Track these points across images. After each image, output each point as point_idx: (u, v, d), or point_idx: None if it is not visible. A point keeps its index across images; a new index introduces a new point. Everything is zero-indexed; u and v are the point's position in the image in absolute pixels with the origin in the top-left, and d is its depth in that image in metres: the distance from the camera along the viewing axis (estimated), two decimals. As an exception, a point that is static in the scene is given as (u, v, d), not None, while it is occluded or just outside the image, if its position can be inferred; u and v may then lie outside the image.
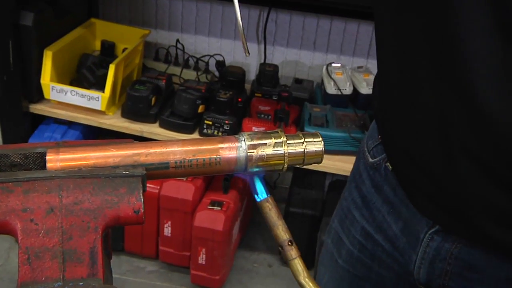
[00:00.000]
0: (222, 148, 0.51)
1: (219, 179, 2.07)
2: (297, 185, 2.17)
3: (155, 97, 1.96)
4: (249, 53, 0.51)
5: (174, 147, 0.50)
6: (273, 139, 0.52)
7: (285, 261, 0.52)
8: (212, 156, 0.50)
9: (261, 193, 0.53)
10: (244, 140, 0.52)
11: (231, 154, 0.51)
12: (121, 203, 0.45)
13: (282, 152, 0.52)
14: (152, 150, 0.49)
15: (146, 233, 2.08)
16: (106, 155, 0.48)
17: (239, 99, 2.02)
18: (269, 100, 2.05)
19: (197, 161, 0.50)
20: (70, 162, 0.48)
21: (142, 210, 0.45)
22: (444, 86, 0.63)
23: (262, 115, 1.99)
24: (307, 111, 1.93)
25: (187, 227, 2.00)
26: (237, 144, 0.51)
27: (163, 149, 0.50)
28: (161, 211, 2.01)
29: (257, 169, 0.52)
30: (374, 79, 0.83)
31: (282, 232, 0.53)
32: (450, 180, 0.67)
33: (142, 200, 0.46)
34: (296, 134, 0.54)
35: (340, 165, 1.85)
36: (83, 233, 0.44)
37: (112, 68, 1.88)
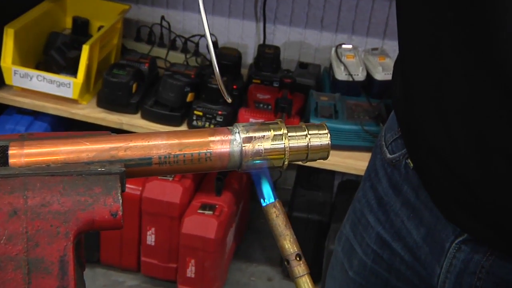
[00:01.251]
0: (213, 141, 0.51)
1: (211, 179, 2.08)
2: (302, 185, 2.18)
3: (136, 83, 1.96)
4: (231, 100, 0.52)
5: (158, 140, 0.50)
6: (272, 131, 0.53)
7: (291, 278, 0.52)
8: (201, 151, 0.51)
9: (268, 197, 0.54)
10: (239, 133, 0.52)
11: (224, 148, 0.51)
12: (96, 205, 0.46)
13: (282, 146, 0.53)
14: (132, 144, 0.50)
15: (125, 242, 2.09)
16: (79, 149, 0.49)
17: (234, 86, 2.02)
18: (269, 88, 2.06)
19: (184, 156, 0.50)
20: (36, 158, 0.48)
21: (120, 213, 0.46)
22: (478, 74, 0.62)
23: (261, 105, 1.99)
24: (313, 100, 1.94)
25: (174, 234, 2.00)
26: (230, 137, 0.52)
27: (145, 143, 0.50)
28: (143, 216, 2.01)
29: (253, 164, 0.52)
30: (395, 63, 0.84)
31: (289, 244, 0.53)
32: (483, 183, 0.67)
33: (121, 201, 0.46)
34: (298, 125, 0.54)
35: (351, 162, 1.86)
36: (51, 240, 0.44)
37: (85, 50, 1.88)
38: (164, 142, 0.50)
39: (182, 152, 0.50)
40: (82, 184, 0.46)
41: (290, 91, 1.99)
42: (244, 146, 0.52)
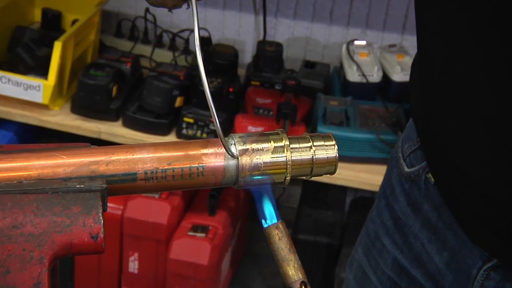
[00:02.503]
0: (206, 154, 0.53)
1: (203, 196, 2.09)
2: (308, 204, 2.20)
3: (117, 86, 1.98)
4: (231, 155, 0.54)
5: (144, 153, 0.52)
6: (272, 142, 0.55)
7: None
8: (193, 165, 0.52)
9: (270, 217, 0.55)
10: (235, 144, 0.54)
11: (218, 162, 0.53)
12: (74, 226, 0.47)
13: (284, 159, 0.54)
14: (114, 157, 0.51)
15: (104, 269, 2.10)
16: (55, 164, 0.50)
17: (230, 89, 2.04)
18: (270, 91, 2.07)
19: (173, 171, 0.52)
20: (6, 173, 0.50)
21: (101, 235, 0.47)
22: (508, 81, 0.64)
23: (261, 111, 2.01)
24: (321, 105, 1.95)
25: (160, 260, 2.01)
26: (225, 150, 0.53)
27: (129, 156, 0.52)
28: (125, 240, 2.02)
29: (251, 180, 0.54)
30: (413, 63, 0.85)
31: (294, 270, 0.54)
32: None
33: (102, 221, 0.48)
34: (301, 136, 0.56)
35: (366, 177, 1.87)
36: (24, 266, 0.46)
37: (57, 47, 1.90)
38: (150, 155, 0.52)
39: (171, 167, 0.52)
40: (59, 202, 0.48)
41: (294, 94, 2.00)
42: (240, 160, 0.53)
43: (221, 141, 0.52)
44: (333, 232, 2.11)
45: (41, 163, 0.50)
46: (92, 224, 0.48)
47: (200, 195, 2.13)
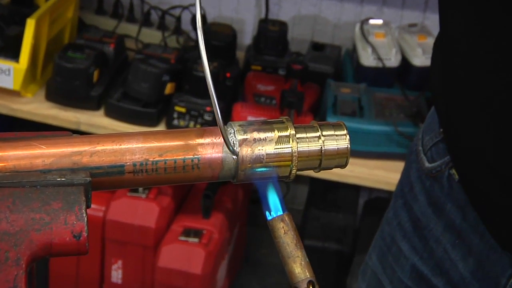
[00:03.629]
0: (201, 144, 0.54)
1: (197, 196, 2.10)
2: (316, 205, 2.20)
3: (98, 70, 1.98)
4: (231, 147, 0.55)
5: (133, 143, 0.53)
6: (276, 131, 0.55)
7: None
8: (187, 156, 0.53)
9: (275, 208, 0.56)
10: (234, 133, 0.55)
11: (215, 153, 0.54)
12: (54, 224, 0.48)
13: (289, 150, 0.55)
14: (99, 147, 0.52)
15: (82, 279, 2.10)
16: (33, 154, 0.51)
17: (228, 74, 2.04)
18: (273, 76, 2.08)
19: (165, 163, 0.53)
20: (-21, 165, 0.50)
21: (85, 234, 0.48)
22: None
23: (262, 99, 2.02)
24: (331, 93, 1.96)
25: (147, 269, 2.02)
26: (223, 140, 0.54)
27: (116, 146, 0.52)
28: (107, 245, 2.04)
29: (252, 173, 0.54)
30: (434, 44, 0.86)
31: (300, 268, 0.55)
32: None
33: (85, 219, 0.49)
34: (309, 124, 0.57)
35: (381, 174, 1.88)
36: (-2, 267, 0.47)
37: (30, 25, 1.90)
38: (140, 145, 0.53)
39: (162, 158, 0.53)
40: (37, 197, 0.49)
41: (300, 80, 2.00)
42: (240, 151, 0.54)
43: (220, 130, 0.53)
44: (344, 238, 2.12)
45: (17, 154, 0.51)
46: (75, 222, 0.49)
47: (193, 194, 2.14)
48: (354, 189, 2.24)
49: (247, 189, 2.31)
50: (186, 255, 1.96)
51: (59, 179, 0.50)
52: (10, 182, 0.49)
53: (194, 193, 2.14)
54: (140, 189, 2.01)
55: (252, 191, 2.40)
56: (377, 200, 2.29)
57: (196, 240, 1.98)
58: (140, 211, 2.00)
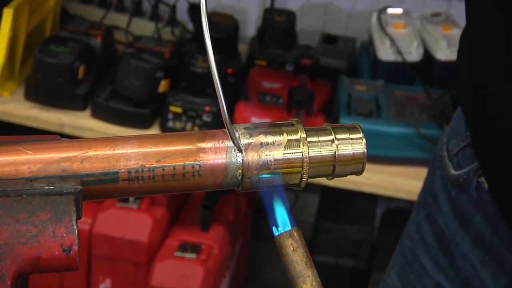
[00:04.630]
0: (203, 149, 0.55)
1: (194, 206, 2.10)
2: (328, 216, 2.21)
3: (84, 65, 1.99)
4: (237, 148, 0.56)
5: (127, 148, 0.54)
6: (285, 135, 0.56)
7: None
8: (187, 163, 0.54)
9: (282, 223, 0.57)
10: (239, 137, 0.56)
11: (218, 159, 0.55)
12: (42, 237, 0.49)
13: (300, 155, 0.56)
14: (91, 153, 0.53)
15: (67, 300, 2.11)
16: (18, 161, 0.52)
17: (229, 70, 2.05)
18: (279, 72, 2.09)
19: (163, 170, 0.54)
20: (-42, 172, 0.51)
21: (75, 248, 0.49)
22: None
23: (268, 97, 2.02)
24: (344, 91, 1.97)
25: (139, 288, 2.03)
26: (227, 143, 0.55)
27: (109, 151, 0.53)
28: (94, 262, 2.04)
29: (259, 181, 0.55)
30: (461, 36, 0.86)
31: None
32: None
33: (76, 231, 0.50)
34: (321, 127, 0.58)
35: (401, 182, 1.88)
36: (-19, 285, 0.48)
37: (7, 15, 1.91)
38: (135, 150, 0.54)
39: (160, 164, 0.54)
40: (23, 208, 0.50)
41: (310, 77, 2.01)
42: (246, 156, 0.55)
43: (227, 129, 0.54)
44: (359, 253, 2.12)
45: (1, 160, 0.52)
46: (64, 235, 0.50)
47: (190, 205, 2.14)
48: (371, 199, 2.24)
49: (251, 198, 2.32)
50: (183, 272, 1.96)
51: (47, 187, 0.51)
52: (-7, 191, 0.51)
53: (191, 203, 2.15)
54: (131, 199, 2.02)
55: (257, 201, 2.41)
56: (396, 211, 2.29)
57: (193, 256, 1.98)
58: (131, 224, 2.00)
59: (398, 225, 2.11)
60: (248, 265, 2.40)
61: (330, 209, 2.25)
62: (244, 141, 0.56)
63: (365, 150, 0.58)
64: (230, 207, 2.15)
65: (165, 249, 2.01)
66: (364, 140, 0.58)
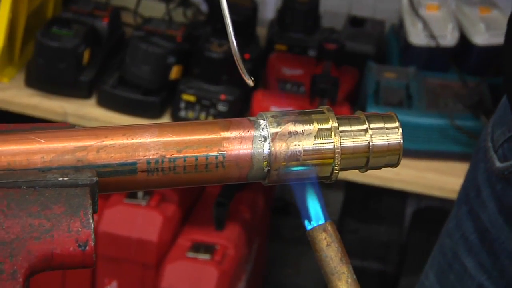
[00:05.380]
0: (227, 138, 0.56)
1: (208, 204, 2.11)
2: (353, 215, 2.21)
3: (89, 50, 2.00)
4: (253, 82, 0.57)
5: (146, 137, 0.54)
6: (315, 123, 0.57)
7: None
8: (210, 153, 0.55)
9: (316, 217, 0.58)
10: (266, 126, 0.57)
11: (244, 149, 0.56)
12: (55, 231, 0.50)
13: (331, 146, 0.57)
14: (108, 142, 0.54)
15: (70, 304, 2.12)
16: (30, 150, 0.53)
17: (246, 56, 2.05)
18: (301, 58, 2.09)
19: (184, 161, 0.55)
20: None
21: (91, 243, 0.50)
22: None
23: (289, 85, 2.02)
24: (372, 79, 1.97)
25: (148, 292, 2.04)
26: (253, 133, 0.56)
27: (127, 140, 0.54)
28: (100, 263, 2.04)
29: (287, 173, 0.56)
30: (509, 21, 0.87)
31: (346, 286, 0.57)
32: None
33: (92, 226, 0.51)
34: (354, 116, 0.59)
35: (434, 178, 1.88)
36: (-9, 282, 0.49)
37: (7, -4, 1.92)
38: (155, 139, 0.55)
39: (181, 155, 0.55)
40: (36, 200, 0.51)
41: (335, 63, 2.01)
42: (274, 146, 0.56)
43: (236, 60, 0.54)
44: (388, 255, 2.12)
45: (12, 149, 0.53)
46: (80, 229, 0.51)
47: (204, 202, 2.14)
48: (400, 196, 2.24)
49: (269, 196, 2.32)
50: (195, 275, 1.96)
51: (60, 178, 0.52)
52: (4, 182, 0.51)
53: (204, 200, 2.15)
54: (140, 195, 2.03)
55: (275, 198, 2.41)
56: (428, 210, 2.29)
57: (207, 257, 1.98)
58: (139, 222, 2.00)
59: (429, 225, 2.11)
60: (265, 268, 2.40)
61: (355, 208, 2.25)
62: (271, 130, 0.57)
63: (401, 141, 0.59)
64: (247, 204, 2.15)
65: (176, 250, 2.01)
66: (400, 130, 0.59)
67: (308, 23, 2.15)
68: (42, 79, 1.99)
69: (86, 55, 1.99)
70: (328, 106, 0.59)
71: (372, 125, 0.58)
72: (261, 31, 2.21)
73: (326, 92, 1.93)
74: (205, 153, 0.55)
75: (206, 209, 2.10)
